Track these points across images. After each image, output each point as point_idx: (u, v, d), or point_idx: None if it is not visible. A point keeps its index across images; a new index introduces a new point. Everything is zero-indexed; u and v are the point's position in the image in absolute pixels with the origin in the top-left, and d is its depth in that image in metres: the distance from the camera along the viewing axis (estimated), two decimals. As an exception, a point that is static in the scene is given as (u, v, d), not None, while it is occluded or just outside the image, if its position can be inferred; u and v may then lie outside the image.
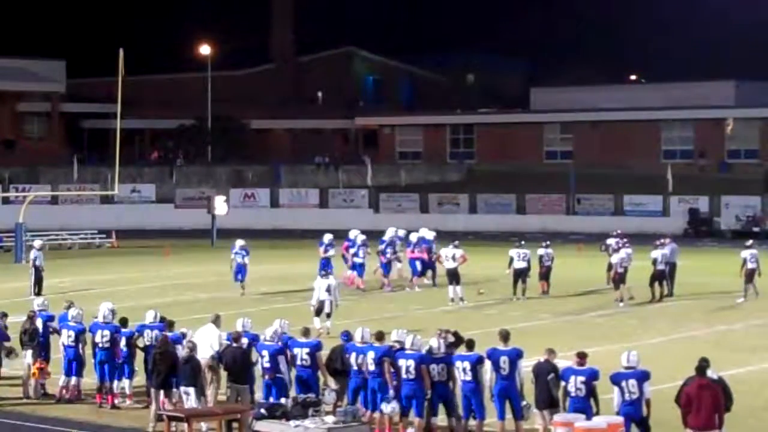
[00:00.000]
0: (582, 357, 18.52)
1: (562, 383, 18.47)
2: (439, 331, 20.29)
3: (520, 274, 37.29)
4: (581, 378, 18.20)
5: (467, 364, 19.36)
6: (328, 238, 39.45)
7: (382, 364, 19.91)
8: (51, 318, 24.02)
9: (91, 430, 21.11)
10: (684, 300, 36.95)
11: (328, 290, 29.98)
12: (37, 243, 41.66)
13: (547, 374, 18.85)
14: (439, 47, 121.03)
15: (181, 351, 20.94)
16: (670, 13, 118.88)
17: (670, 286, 37.31)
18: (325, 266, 35.44)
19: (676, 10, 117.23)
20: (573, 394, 18.25)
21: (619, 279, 36.06)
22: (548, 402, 18.84)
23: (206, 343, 21.53)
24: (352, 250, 39.75)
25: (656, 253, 36.66)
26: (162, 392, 20.92)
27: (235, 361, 20.73)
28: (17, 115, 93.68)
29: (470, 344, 19.75)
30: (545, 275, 37.95)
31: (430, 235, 40.88)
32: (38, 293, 36.11)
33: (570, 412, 18.14)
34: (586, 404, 18.10)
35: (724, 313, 34.51)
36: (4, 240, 57.15)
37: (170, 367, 20.83)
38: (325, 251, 38.84)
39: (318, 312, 29.91)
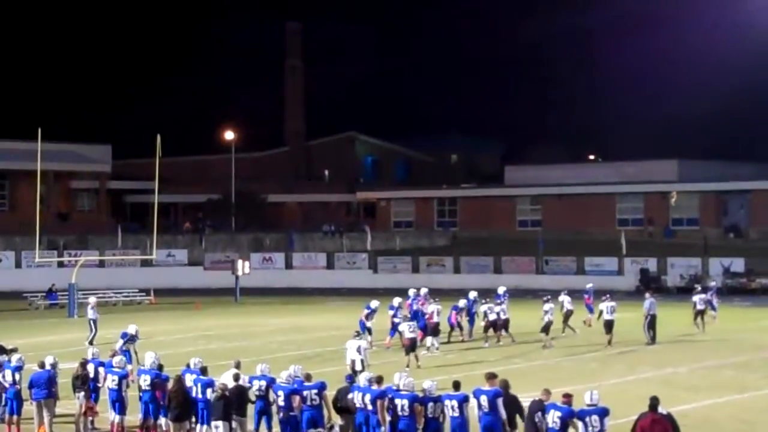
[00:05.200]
0: (567, 397, 18.32)
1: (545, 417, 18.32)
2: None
3: (492, 326, 37.66)
4: (558, 414, 18.07)
5: (455, 403, 19.36)
6: (374, 304, 36.60)
7: (377, 403, 19.94)
8: (102, 364, 24.03)
9: (133, 461, 21.05)
10: (637, 346, 36.99)
11: (359, 350, 27.86)
12: (92, 300, 40.96)
13: (535, 412, 18.56)
14: (427, 132, 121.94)
15: (211, 393, 21.03)
16: (623, 103, 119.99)
17: (653, 334, 37.56)
18: (363, 328, 34.32)
19: (629, 101, 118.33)
20: (550, 425, 18.18)
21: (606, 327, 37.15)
22: None
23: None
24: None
25: (602, 306, 37.57)
26: (177, 424, 21.14)
27: (239, 397, 20.84)
28: (70, 192, 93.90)
29: (456, 385, 19.80)
30: (504, 326, 38.10)
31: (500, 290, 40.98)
32: (90, 343, 36.04)
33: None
34: (560, 436, 18.00)
35: (671, 357, 34.47)
36: (59, 297, 57.16)
37: (182, 404, 21.12)
38: (368, 317, 35.69)
39: (353, 372, 26.99)
